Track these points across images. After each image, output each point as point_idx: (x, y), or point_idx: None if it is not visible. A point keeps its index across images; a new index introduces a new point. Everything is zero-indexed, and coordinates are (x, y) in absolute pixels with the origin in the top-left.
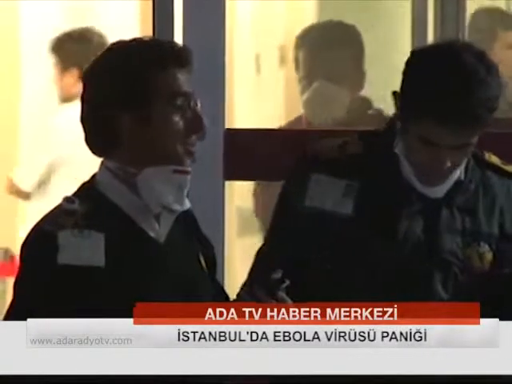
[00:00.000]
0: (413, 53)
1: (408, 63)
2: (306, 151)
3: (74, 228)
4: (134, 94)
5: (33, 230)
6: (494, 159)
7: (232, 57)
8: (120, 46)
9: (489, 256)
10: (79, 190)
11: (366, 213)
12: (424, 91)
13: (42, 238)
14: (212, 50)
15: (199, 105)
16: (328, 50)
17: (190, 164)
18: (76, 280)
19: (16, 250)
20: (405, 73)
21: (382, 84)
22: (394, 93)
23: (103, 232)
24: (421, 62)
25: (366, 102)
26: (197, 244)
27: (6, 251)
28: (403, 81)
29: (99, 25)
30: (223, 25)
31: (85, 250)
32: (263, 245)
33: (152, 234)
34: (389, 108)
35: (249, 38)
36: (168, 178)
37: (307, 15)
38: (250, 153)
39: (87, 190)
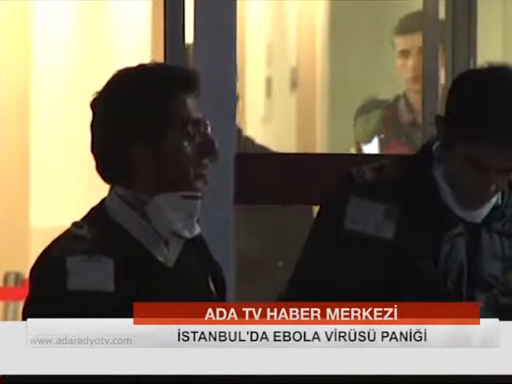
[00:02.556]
0: (460, 76)
1: (456, 87)
2: (343, 175)
3: (83, 253)
4: (142, 121)
5: (42, 255)
6: None
7: (244, 79)
8: (126, 73)
9: None
10: (88, 214)
11: (407, 236)
12: (477, 115)
13: (51, 264)
14: (223, 74)
15: (209, 128)
16: None
17: (203, 187)
18: (85, 305)
19: (27, 275)
20: (452, 96)
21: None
22: (437, 116)
23: (112, 257)
24: (471, 86)
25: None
26: (206, 268)
27: (18, 275)
28: (450, 105)
29: (111, 25)
30: (234, 49)
31: (94, 275)
32: (298, 266)
33: (161, 259)
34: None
35: (260, 61)
36: (178, 205)
37: (319, 38)
38: (260, 177)
39: (96, 215)
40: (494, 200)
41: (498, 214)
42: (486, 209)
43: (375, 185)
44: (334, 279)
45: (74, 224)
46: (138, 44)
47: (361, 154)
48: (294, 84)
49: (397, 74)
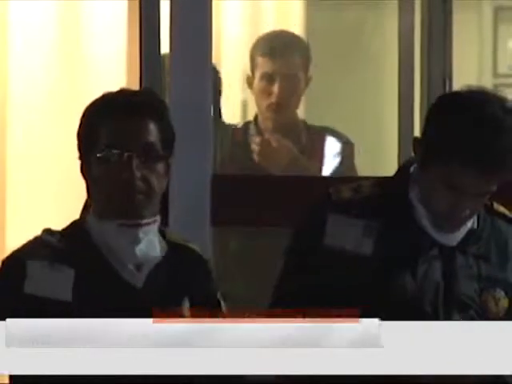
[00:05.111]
0: (438, 99)
1: (433, 110)
2: (321, 194)
3: (44, 259)
4: (83, 145)
5: (8, 255)
6: (501, 208)
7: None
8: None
9: (505, 302)
10: (68, 225)
11: (384, 255)
12: (453, 138)
13: (11, 265)
14: (199, 98)
15: (156, 153)
16: None
17: (146, 214)
18: (39, 310)
19: None
20: (431, 119)
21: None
22: (415, 139)
23: (75, 268)
24: (449, 109)
25: None
26: (186, 286)
27: None
28: (427, 127)
29: (88, 27)
30: (209, 73)
31: (52, 282)
32: (276, 285)
33: (127, 278)
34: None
35: (236, 85)
36: (116, 233)
37: None
38: (237, 199)
39: (74, 226)
40: (469, 223)
41: (474, 237)
42: (462, 232)
43: (352, 203)
44: (312, 295)
45: (45, 230)
46: (114, 60)
47: (339, 177)
48: None
49: (254, 96)
